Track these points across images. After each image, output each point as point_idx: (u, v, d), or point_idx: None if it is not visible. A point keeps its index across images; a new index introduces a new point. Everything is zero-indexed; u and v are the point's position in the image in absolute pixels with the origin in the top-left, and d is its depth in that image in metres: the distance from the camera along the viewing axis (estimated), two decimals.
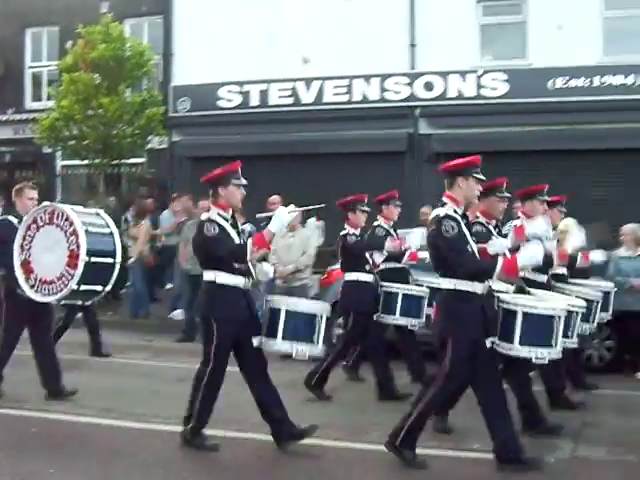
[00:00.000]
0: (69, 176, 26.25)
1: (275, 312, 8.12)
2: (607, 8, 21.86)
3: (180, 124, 24.05)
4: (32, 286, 9.45)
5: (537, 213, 10.08)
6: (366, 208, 11.37)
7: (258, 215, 9.64)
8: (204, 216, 8.20)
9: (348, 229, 11.19)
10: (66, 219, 9.31)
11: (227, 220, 8.15)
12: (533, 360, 7.77)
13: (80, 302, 10.55)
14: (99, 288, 9.72)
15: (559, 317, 7.64)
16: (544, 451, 8.21)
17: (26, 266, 9.46)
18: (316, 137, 22.44)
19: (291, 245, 14.40)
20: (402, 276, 11.71)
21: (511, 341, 7.53)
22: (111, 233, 9.83)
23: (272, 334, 8.06)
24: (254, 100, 23.48)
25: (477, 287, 7.42)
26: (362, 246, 11.39)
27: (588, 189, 20.63)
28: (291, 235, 14.44)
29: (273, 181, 19.48)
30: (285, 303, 8.28)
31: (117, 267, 9.83)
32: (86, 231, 9.25)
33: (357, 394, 11.43)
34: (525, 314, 7.51)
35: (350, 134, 22.12)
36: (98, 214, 9.91)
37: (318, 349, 8.27)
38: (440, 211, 7.55)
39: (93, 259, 9.24)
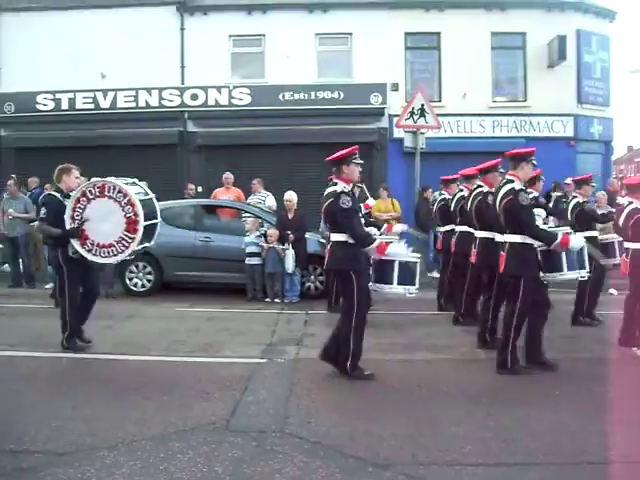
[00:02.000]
0: None
1: (387, 263, 7.59)
2: (319, 45, 22.52)
3: (6, 122, 22.75)
4: (89, 250, 8.49)
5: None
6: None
7: None
8: (339, 188, 7.29)
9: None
10: (119, 192, 8.43)
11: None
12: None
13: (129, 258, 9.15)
14: (147, 244, 8.90)
15: None
16: (276, 354, 8.48)
17: (80, 234, 8.45)
18: (111, 134, 21.80)
19: None
20: None
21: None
22: (151, 198, 8.98)
23: (385, 281, 7.65)
24: (64, 105, 22.47)
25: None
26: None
27: (309, 170, 21.20)
28: None
29: (79, 166, 18.86)
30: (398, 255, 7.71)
31: (159, 225, 9.10)
32: (140, 200, 8.52)
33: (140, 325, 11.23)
34: None
35: (136, 131, 21.60)
36: (135, 183, 8.91)
37: (417, 289, 7.82)
38: (514, 185, 7.40)
39: (146, 223, 8.54)
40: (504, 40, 22.63)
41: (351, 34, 22.37)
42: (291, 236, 12.89)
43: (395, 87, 22.07)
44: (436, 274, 14.29)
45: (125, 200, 8.46)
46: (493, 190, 8.56)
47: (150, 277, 13.74)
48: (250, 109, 22.11)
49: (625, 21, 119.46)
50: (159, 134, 21.93)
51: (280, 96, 22.11)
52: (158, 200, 9.32)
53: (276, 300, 13.08)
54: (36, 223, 9.35)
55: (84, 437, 5.52)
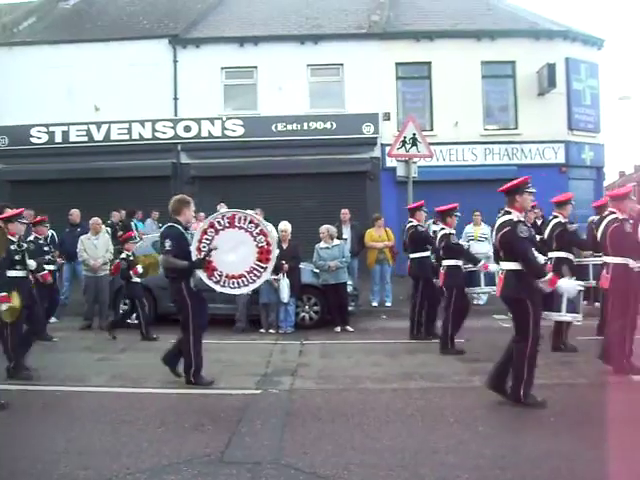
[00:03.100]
0: None
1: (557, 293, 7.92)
2: (311, 76, 22.75)
3: (1, 155, 22.73)
4: (217, 282, 8.35)
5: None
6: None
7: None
8: (514, 217, 7.32)
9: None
10: (250, 222, 8.35)
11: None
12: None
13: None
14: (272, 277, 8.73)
15: None
16: (271, 385, 8.44)
17: (207, 265, 8.30)
18: (105, 166, 21.96)
19: (97, 245, 14.03)
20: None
21: None
22: (271, 230, 8.84)
23: (553, 308, 8.32)
24: (58, 138, 22.59)
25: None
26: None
27: (302, 201, 21.31)
28: (95, 238, 14.12)
29: (73, 199, 18.82)
30: (566, 290, 7.95)
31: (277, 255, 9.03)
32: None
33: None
34: None
35: (130, 163, 21.71)
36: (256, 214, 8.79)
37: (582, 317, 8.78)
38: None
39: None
40: (494, 69, 22.86)
41: (342, 65, 22.60)
42: (285, 266, 12.87)
43: (387, 117, 22.24)
44: None
45: (257, 230, 8.40)
46: (626, 216, 9.01)
47: None
48: (243, 140, 22.27)
49: (613, 49, 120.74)
50: (152, 166, 22.03)
51: (273, 127, 22.26)
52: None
53: (270, 330, 13.05)
54: (160, 256, 9.14)
55: (78, 471, 5.47)
